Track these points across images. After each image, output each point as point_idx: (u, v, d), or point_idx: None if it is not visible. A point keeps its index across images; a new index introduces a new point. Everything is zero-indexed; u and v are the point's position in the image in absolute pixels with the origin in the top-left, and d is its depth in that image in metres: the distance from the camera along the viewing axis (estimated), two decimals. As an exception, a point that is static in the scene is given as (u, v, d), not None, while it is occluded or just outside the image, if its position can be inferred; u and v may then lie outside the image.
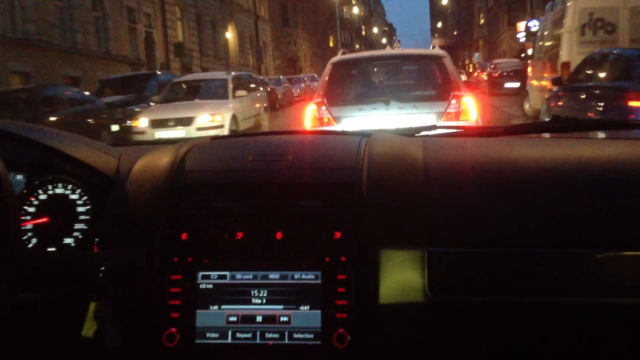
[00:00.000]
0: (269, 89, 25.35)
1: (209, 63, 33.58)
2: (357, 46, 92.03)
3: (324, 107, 5.90)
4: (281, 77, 30.33)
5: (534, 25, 41.53)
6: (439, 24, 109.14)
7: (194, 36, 31.37)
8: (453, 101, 5.69)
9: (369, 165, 1.31)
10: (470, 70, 73.61)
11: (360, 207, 1.24)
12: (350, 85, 6.41)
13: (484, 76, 27.18)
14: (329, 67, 6.34)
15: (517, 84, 24.76)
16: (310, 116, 5.96)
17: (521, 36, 44.66)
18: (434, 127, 1.80)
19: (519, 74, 24.97)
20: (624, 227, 1.20)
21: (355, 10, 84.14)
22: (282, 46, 55.08)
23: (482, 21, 69.21)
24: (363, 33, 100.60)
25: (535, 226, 1.21)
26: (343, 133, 1.65)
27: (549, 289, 1.17)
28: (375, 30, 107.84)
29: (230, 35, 37.87)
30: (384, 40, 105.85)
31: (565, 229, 1.20)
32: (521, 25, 44.95)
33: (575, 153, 1.40)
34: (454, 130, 1.77)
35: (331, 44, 76.02)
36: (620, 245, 1.17)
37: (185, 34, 30.68)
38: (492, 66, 26.68)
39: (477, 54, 62.91)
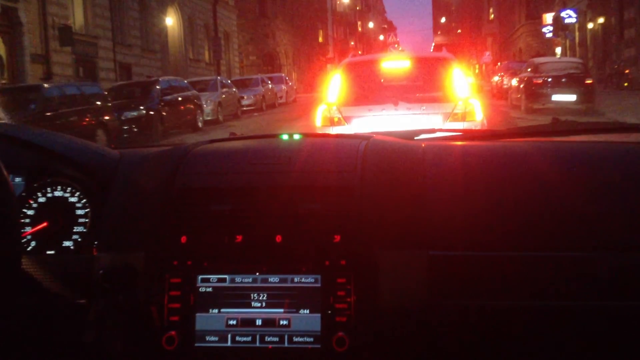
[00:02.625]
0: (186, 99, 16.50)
1: (132, 57, 24.50)
2: (352, 43, 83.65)
3: (334, 107, 6.02)
4: (219, 77, 21.16)
5: (568, 15, 33.33)
6: (443, 19, 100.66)
7: (102, 19, 22.33)
8: (460, 102, 5.81)
9: (368, 168, 1.31)
10: (477, 70, 65.90)
11: (360, 211, 1.24)
12: (361, 86, 6.51)
13: (515, 82, 18.07)
14: (340, 68, 6.59)
15: (572, 97, 15.74)
16: (321, 116, 6.10)
17: (547, 30, 36.16)
18: (434, 131, 1.73)
19: (577, 81, 15.88)
20: (626, 229, 1.20)
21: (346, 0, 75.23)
22: (257, 39, 46.21)
23: (492, 16, 61.57)
24: (359, 29, 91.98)
25: (536, 230, 1.21)
26: (343, 136, 1.61)
27: (550, 292, 1.17)
28: (371, 25, 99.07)
29: (171, 21, 28.78)
30: (381, 37, 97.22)
31: (567, 232, 1.21)
32: (548, 17, 36.47)
33: (576, 156, 1.39)
34: (454, 134, 1.79)
35: (320, 40, 67.39)
36: (622, 248, 1.19)
37: (87, 15, 21.59)
38: (529, 68, 17.53)
39: (487, 53, 54.24)
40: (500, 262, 1.19)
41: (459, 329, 1.20)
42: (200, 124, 16.73)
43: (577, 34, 31.71)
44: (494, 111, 17.94)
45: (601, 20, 27.53)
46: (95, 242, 1.31)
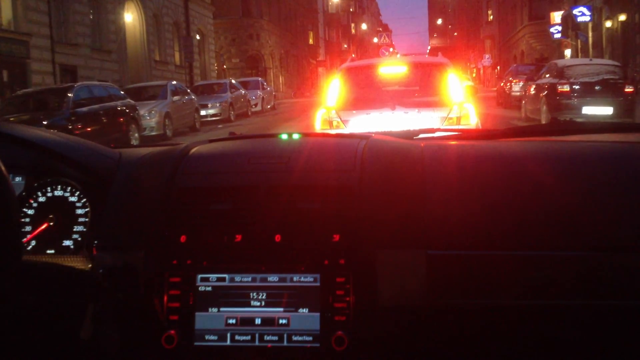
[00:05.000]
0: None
1: (78, 58, 20.90)
2: (345, 45, 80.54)
3: (333, 111, 6.10)
4: (171, 82, 17.44)
5: (581, 13, 29.88)
6: (439, 21, 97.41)
7: (37, 12, 18.70)
8: (455, 107, 5.91)
9: (367, 168, 1.30)
10: (474, 74, 62.72)
11: (359, 210, 1.23)
12: (359, 90, 6.57)
13: (533, 90, 14.57)
14: (338, 73, 6.61)
15: (607, 109, 12.31)
16: (320, 120, 6.14)
17: (555, 31, 32.78)
18: (433, 130, 1.73)
19: (614, 89, 12.43)
20: (623, 229, 1.19)
21: (337, -1, 71.80)
22: (241, 41, 42.79)
23: (491, 17, 58.38)
24: (353, 31, 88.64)
25: (534, 229, 1.20)
26: (342, 136, 1.59)
27: (548, 291, 1.17)
28: (364, 27, 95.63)
29: (131, 17, 25.23)
30: (375, 40, 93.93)
31: (565, 232, 1.20)
32: (556, 16, 33.10)
33: (574, 156, 1.39)
34: (453, 133, 1.80)
35: (311, 41, 63.96)
36: (621, 248, 1.17)
37: (16, 7, 17.97)
38: (547, 74, 14.04)
39: (486, 56, 50.96)
40: (499, 261, 1.17)
41: (458, 328, 1.19)
42: (135, 142, 13.17)
43: (590, 33, 28.27)
44: (506, 125, 14.52)
45: (622, 17, 24.06)
46: (95, 242, 1.30)
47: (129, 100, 13.52)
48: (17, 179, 1.44)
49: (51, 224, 1.38)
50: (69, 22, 20.73)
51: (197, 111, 18.06)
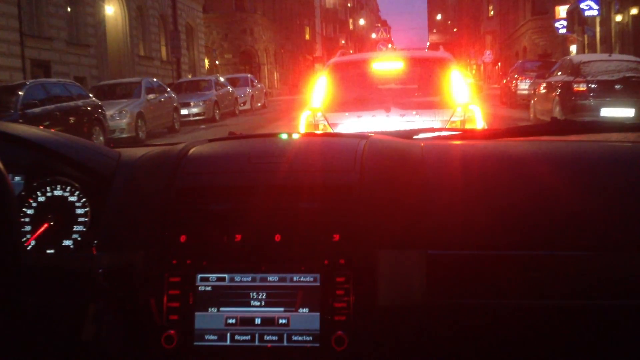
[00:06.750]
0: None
1: (52, 52, 19.45)
2: (343, 41, 79.15)
3: (319, 113, 5.32)
4: (150, 80, 16.00)
5: (589, 7, 28.49)
6: (438, 17, 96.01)
7: (5, 3, 17.24)
8: (459, 109, 5.18)
9: (367, 167, 1.30)
10: (474, 71, 61.43)
11: (359, 210, 1.23)
12: (349, 89, 5.81)
13: (542, 89, 13.18)
14: (326, 69, 5.83)
15: (629, 111, 10.99)
16: (304, 122, 5.38)
17: (561, 26, 31.36)
18: (433, 130, 1.73)
19: (637, 88, 11.07)
20: (624, 229, 1.19)
21: (334, -7, 70.37)
22: (234, 36, 41.38)
23: (492, 12, 56.98)
24: (350, 27, 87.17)
25: (534, 229, 1.21)
26: (342, 135, 1.61)
27: (548, 291, 1.17)
28: (362, 22, 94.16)
29: (112, 10, 23.77)
30: (373, 36, 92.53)
31: (566, 232, 1.20)
32: (561, 11, 31.68)
33: (574, 156, 1.39)
34: (453, 133, 1.79)
35: (307, 37, 62.50)
36: (622, 247, 1.17)
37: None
38: (560, 71, 12.65)
39: (488, 52, 49.60)
40: (499, 261, 1.17)
41: (458, 328, 1.19)
42: (99, 147, 11.76)
43: (598, 28, 26.86)
44: (513, 128, 13.16)
45: (634, 11, 22.66)
46: (95, 241, 1.30)
47: (93, 99, 12.12)
48: (17, 178, 1.43)
49: (51, 223, 1.37)
50: (42, 15, 19.26)
51: (177, 110, 16.65)
